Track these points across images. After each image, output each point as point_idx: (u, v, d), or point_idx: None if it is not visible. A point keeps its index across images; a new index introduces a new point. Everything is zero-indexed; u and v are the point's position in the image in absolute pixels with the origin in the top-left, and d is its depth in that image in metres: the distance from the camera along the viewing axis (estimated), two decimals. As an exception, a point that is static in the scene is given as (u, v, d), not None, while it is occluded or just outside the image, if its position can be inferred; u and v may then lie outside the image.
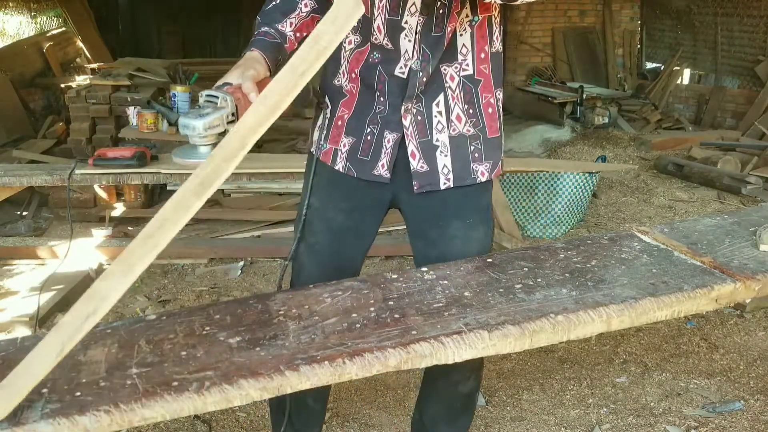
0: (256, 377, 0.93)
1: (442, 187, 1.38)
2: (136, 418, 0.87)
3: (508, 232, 3.36)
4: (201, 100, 1.19)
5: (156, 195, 4.18)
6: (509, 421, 2.06)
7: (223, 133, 1.20)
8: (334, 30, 0.96)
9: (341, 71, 1.39)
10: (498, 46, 1.40)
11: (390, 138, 1.36)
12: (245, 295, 2.60)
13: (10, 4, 7.31)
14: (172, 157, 1.16)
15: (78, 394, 0.89)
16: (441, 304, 1.13)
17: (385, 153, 1.37)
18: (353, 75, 1.37)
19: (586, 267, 1.28)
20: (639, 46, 7.96)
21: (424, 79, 1.31)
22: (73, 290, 2.89)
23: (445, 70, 1.33)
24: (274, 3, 1.37)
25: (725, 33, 6.78)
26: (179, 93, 4.38)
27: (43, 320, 2.62)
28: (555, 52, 7.48)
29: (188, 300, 2.93)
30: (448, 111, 1.35)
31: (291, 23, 1.35)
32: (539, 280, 1.22)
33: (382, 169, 1.38)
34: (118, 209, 3.94)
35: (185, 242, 3.48)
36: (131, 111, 4.11)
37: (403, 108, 1.34)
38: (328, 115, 1.43)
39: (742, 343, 2.52)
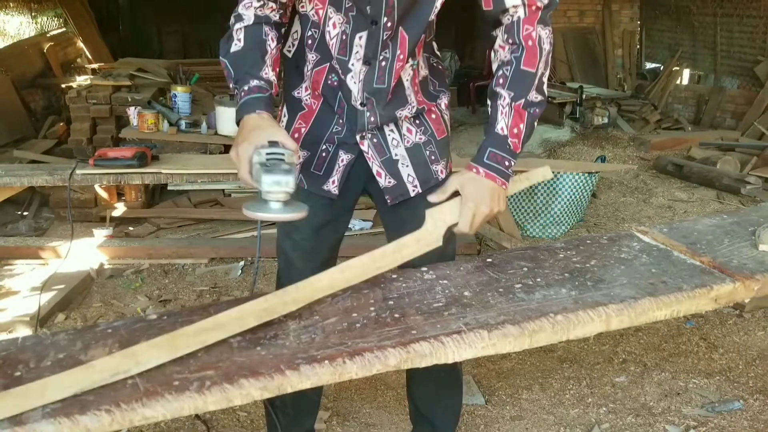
0: (257, 377, 0.93)
1: (412, 194, 1.45)
2: (137, 418, 0.87)
3: (508, 232, 3.36)
4: (259, 157, 1.15)
5: (156, 195, 4.19)
6: (509, 420, 2.06)
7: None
8: (416, 249, 1.23)
9: (304, 86, 1.41)
10: (434, 62, 1.45)
11: (344, 158, 1.42)
12: (246, 295, 2.60)
13: (11, 4, 7.31)
14: (243, 210, 1.15)
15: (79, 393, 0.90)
16: (441, 304, 1.14)
17: (336, 171, 1.43)
18: (316, 93, 1.40)
19: (586, 267, 1.28)
20: (638, 46, 7.97)
21: (372, 119, 1.37)
22: (73, 290, 2.90)
23: (399, 113, 1.40)
24: (239, 44, 1.29)
25: (725, 33, 6.78)
26: (180, 93, 4.39)
27: (43, 320, 2.63)
28: (554, 53, 7.47)
29: (189, 300, 2.93)
30: (398, 128, 1.42)
31: (270, 66, 1.29)
32: (539, 279, 1.23)
33: (332, 185, 1.44)
34: (119, 209, 3.94)
35: (186, 242, 3.48)
36: (132, 111, 4.12)
37: (358, 136, 1.39)
38: (283, 124, 1.46)
39: (741, 342, 2.53)
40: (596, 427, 2.01)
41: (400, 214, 1.47)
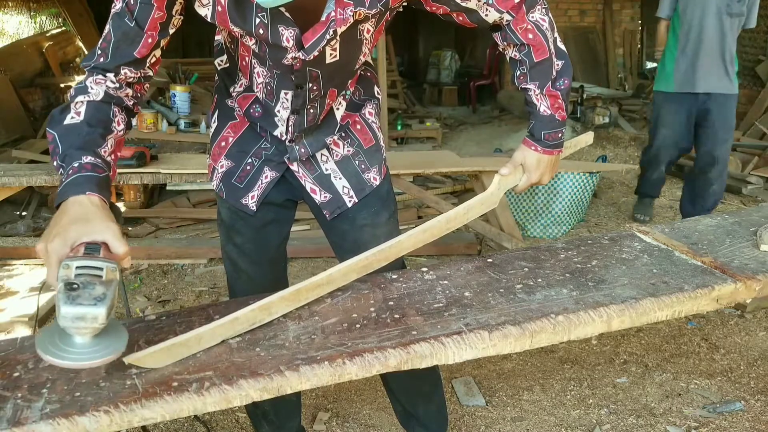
0: (256, 377, 0.92)
1: (349, 205, 1.42)
2: (136, 419, 0.87)
3: (509, 232, 3.36)
4: (66, 271, 0.86)
5: (155, 195, 4.18)
6: (510, 421, 2.05)
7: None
8: (480, 210, 1.36)
9: (235, 100, 1.38)
10: (363, 76, 1.42)
11: (269, 175, 1.39)
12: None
13: (10, 3, 7.30)
14: (36, 346, 0.87)
15: (78, 394, 0.89)
16: (441, 305, 1.13)
17: (258, 186, 1.40)
18: (242, 111, 1.37)
19: (587, 267, 1.28)
20: (639, 45, 7.97)
21: (303, 150, 1.36)
22: (72, 290, 2.89)
23: (328, 139, 1.39)
24: (77, 117, 1.05)
25: (725, 33, 6.76)
26: (179, 93, 4.39)
27: (42, 320, 2.62)
28: (555, 52, 7.49)
29: (188, 300, 2.93)
30: (326, 144, 1.40)
31: (111, 147, 1.07)
32: (540, 280, 1.22)
33: (251, 200, 1.41)
34: (118, 209, 3.93)
35: (185, 242, 3.48)
36: (131, 111, 4.10)
37: (286, 157, 1.37)
38: (213, 130, 1.44)
39: (742, 343, 2.52)
40: (597, 428, 2.01)
41: (340, 227, 1.45)
